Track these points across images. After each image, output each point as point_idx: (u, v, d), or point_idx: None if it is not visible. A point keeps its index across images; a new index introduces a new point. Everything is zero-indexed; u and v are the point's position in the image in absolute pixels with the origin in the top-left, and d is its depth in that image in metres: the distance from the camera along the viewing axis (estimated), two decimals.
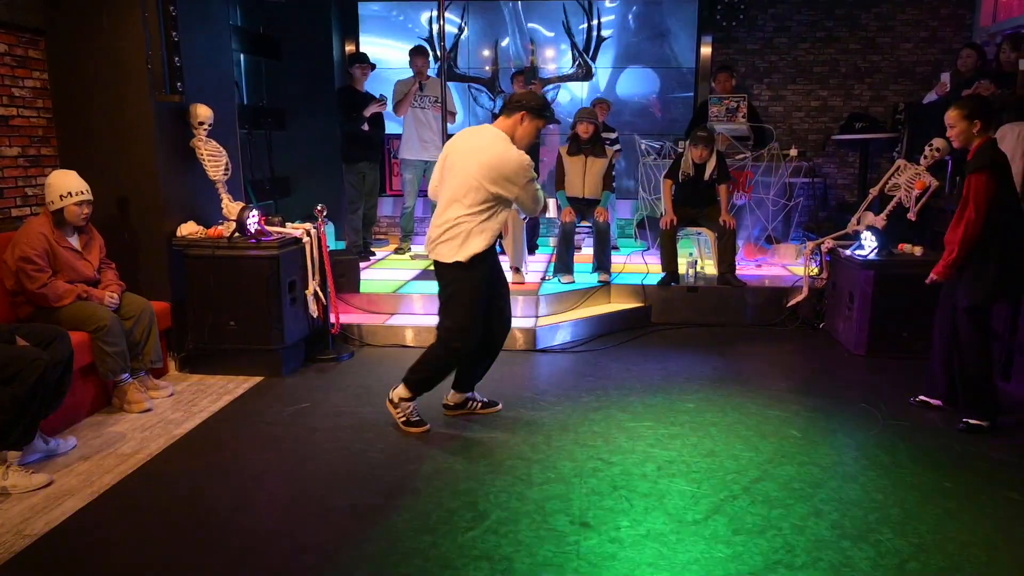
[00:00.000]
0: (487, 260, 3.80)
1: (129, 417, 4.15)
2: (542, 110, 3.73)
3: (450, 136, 4.22)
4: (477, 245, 3.69)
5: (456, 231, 3.69)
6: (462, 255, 3.69)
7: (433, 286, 6.02)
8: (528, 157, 3.67)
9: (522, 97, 3.77)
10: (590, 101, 8.06)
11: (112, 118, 4.68)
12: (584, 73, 8.03)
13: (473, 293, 3.79)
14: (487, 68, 8.87)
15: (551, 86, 8.11)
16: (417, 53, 7.32)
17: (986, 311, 4.00)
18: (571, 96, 8.96)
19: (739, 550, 2.82)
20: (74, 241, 4.18)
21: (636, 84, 9.08)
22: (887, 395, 4.49)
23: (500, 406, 4.27)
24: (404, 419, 3.97)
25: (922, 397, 4.32)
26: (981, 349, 3.97)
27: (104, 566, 2.78)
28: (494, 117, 4.48)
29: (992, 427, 3.95)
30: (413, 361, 3.98)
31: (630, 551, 2.81)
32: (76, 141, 4.75)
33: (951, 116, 3.91)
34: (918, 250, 5.28)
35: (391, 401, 4.00)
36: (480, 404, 4.23)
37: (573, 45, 7.92)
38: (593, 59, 8.01)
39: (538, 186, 3.76)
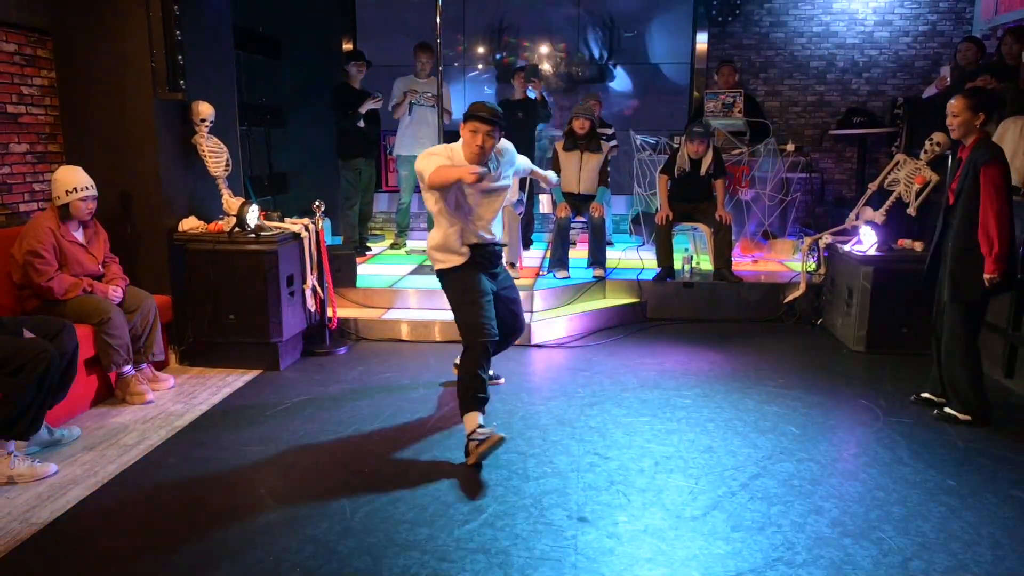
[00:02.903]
0: (470, 261, 3.79)
1: (131, 408, 4.19)
2: (467, 114, 3.66)
3: (448, 135, 4.22)
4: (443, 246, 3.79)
5: (430, 240, 3.86)
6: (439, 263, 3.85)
7: (427, 281, 6.10)
8: (430, 154, 3.63)
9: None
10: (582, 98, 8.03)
11: (116, 115, 4.72)
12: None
13: (465, 291, 3.76)
14: (479, 66, 8.89)
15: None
16: (422, 49, 7.27)
17: (984, 306, 3.95)
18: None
19: (738, 547, 2.83)
20: (79, 236, 4.21)
21: (631, 79, 9.09)
22: (887, 392, 4.48)
23: (503, 380, 4.52)
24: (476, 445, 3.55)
25: (923, 394, 4.26)
26: (969, 345, 3.92)
27: (108, 554, 2.82)
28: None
29: (980, 422, 3.91)
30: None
31: (628, 546, 2.83)
32: (81, 138, 4.79)
33: (956, 105, 3.86)
34: (918, 245, 5.25)
35: (469, 437, 3.57)
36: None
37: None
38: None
39: (436, 167, 3.51)
